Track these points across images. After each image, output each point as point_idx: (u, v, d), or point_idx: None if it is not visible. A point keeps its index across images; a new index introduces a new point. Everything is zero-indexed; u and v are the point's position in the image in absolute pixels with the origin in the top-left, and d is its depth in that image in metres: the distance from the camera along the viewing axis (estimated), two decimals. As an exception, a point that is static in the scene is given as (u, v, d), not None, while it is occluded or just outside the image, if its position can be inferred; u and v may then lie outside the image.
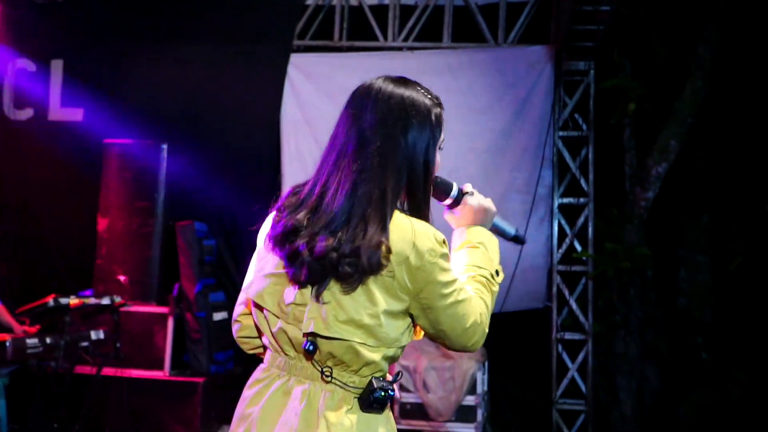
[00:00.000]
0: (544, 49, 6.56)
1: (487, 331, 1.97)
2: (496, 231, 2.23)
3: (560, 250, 6.72)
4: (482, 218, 2.19)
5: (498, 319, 6.54)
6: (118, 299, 5.39)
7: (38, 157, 6.77)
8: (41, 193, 6.67)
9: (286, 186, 6.72)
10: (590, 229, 6.68)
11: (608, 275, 6.67)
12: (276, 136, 6.74)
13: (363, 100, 2.06)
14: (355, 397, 1.89)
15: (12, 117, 6.93)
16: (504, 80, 6.58)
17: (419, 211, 1.99)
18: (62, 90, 6.92)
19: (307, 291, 1.89)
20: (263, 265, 2.02)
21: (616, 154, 7.08)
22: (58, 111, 6.92)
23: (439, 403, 5.66)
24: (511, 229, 2.26)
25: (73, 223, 6.56)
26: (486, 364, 5.99)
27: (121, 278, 6.03)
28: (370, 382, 1.89)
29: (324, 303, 1.85)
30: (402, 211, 1.96)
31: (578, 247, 6.77)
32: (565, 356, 6.66)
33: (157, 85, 6.73)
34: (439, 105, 2.17)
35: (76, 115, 6.88)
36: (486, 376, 5.97)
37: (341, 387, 1.88)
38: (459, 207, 2.20)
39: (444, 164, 6.91)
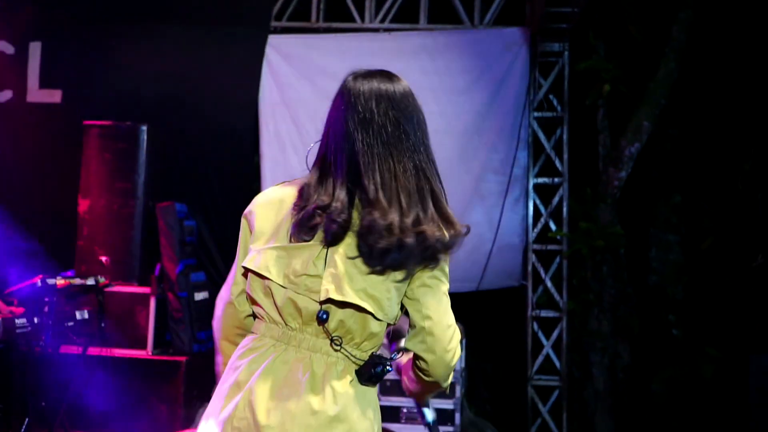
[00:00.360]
0: (519, 30, 6.66)
1: (455, 360, 2.11)
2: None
3: (535, 230, 6.85)
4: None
5: (474, 297, 6.73)
6: (102, 279, 5.45)
7: (17, 139, 6.78)
8: (21, 175, 6.69)
9: (265, 167, 6.82)
10: (565, 209, 6.82)
11: (582, 254, 6.80)
12: (255, 118, 6.80)
13: (371, 98, 2.12)
14: (355, 370, 1.99)
15: (-9, 99, 6.94)
16: (480, 62, 6.68)
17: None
18: (40, 72, 6.92)
19: (321, 262, 1.97)
20: (262, 241, 2.07)
21: (590, 134, 7.20)
22: (37, 92, 6.93)
23: (417, 380, 5.78)
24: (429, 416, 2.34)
25: (53, 204, 6.60)
26: (463, 341, 6.12)
27: (103, 259, 6.08)
28: (372, 356, 2.01)
29: (339, 272, 1.94)
30: None
31: (553, 227, 6.92)
32: (540, 334, 6.82)
33: (136, 67, 6.75)
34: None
35: (54, 96, 6.90)
36: (463, 353, 6.09)
37: (345, 358, 1.98)
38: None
39: (421, 145, 6.84)
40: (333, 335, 1.97)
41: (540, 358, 6.74)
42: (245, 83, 6.75)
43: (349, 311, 1.96)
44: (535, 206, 6.90)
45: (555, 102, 6.95)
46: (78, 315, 5.30)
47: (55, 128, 6.77)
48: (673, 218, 7.66)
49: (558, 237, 6.84)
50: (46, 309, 5.13)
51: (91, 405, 5.82)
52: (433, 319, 2.03)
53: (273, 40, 6.76)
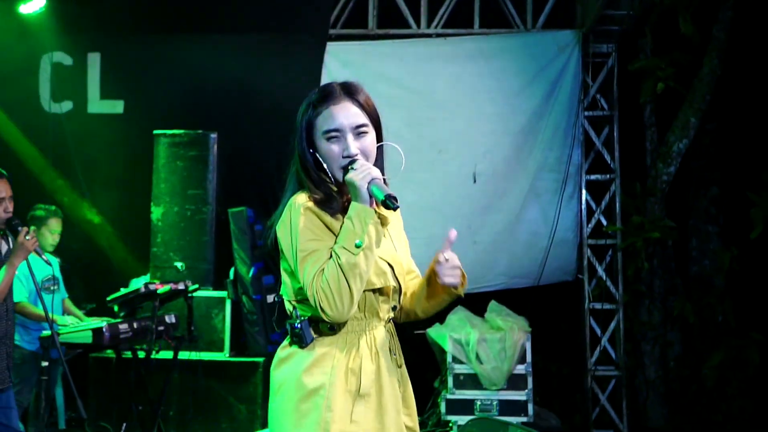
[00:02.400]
0: (572, 33, 6.86)
1: (325, 303, 2.17)
2: (374, 199, 2.26)
3: (589, 225, 7.05)
4: (353, 193, 2.26)
5: (532, 292, 6.91)
6: (191, 284, 5.58)
7: (81, 150, 6.89)
8: (88, 186, 6.80)
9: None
10: (617, 204, 7.02)
11: (636, 247, 7.00)
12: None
13: None
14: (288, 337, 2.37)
15: (51, 110, 7.02)
16: (534, 64, 6.87)
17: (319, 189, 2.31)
18: (101, 82, 7.04)
19: None
20: None
21: (637, 131, 7.41)
22: (98, 103, 7.05)
23: (492, 373, 5.98)
24: (381, 194, 2.21)
25: (123, 213, 6.73)
26: (529, 334, 6.30)
27: (178, 265, 6.22)
28: (289, 322, 2.33)
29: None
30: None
31: (604, 221, 7.12)
32: (594, 325, 7.03)
33: (197, 75, 6.86)
34: (313, 105, 2.38)
35: (116, 107, 7.02)
36: (529, 346, 6.27)
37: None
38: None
39: (479, 145, 7.18)
40: None
41: (598, 349, 6.94)
42: (306, 90, 6.79)
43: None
44: (587, 202, 7.10)
45: (602, 101, 7.15)
46: (167, 319, 5.43)
47: (119, 138, 6.88)
48: (711, 210, 7.87)
49: (609, 232, 7.03)
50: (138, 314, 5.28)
51: (173, 406, 5.98)
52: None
53: (331, 47, 6.91)
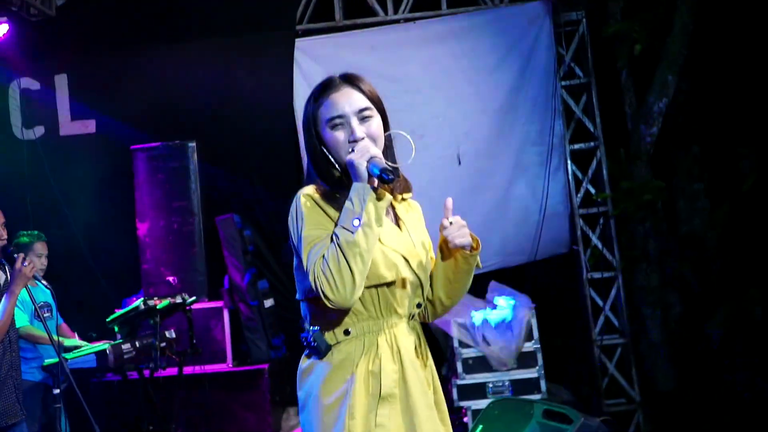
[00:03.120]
0: (541, 4, 6.82)
1: (327, 287, 2.11)
2: (374, 176, 2.21)
3: (579, 195, 7.02)
4: (353, 173, 2.21)
5: (532, 268, 6.86)
6: (187, 297, 5.49)
7: (58, 173, 6.76)
8: (69, 207, 6.67)
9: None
10: (605, 171, 6.99)
11: (627, 212, 6.98)
12: (292, 122, 6.84)
13: None
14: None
15: (24, 137, 6.89)
16: (507, 39, 6.82)
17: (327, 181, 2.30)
18: (70, 104, 6.92)
19: None
20: None
21: (615, 96, 7.38)
22: (69, 125, 6.93)
23: (501, 353, 5.93)
24: (377, 170, 2.18)
25: (107, 232, 6.61)
26: (534, 310, 6.24)
27: (171, 279, 6.13)
28: (302, 335, 2.30)
29: None
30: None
31: (592, 190, 7.08)
32: (594, 295, 6.99)
33: (167, 86, 6.80)
34: (316, 93, 2.38)
35: (88, 126, 6.90)
36: (535, 323, 6.21)
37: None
38: None
39: (458, 126, 7.13)
40: None
41: (600, 319, 6.91)
42: (278, 89, 6.80)
43: None
44: (573, 173, 7.06)
45: (578, 69, 7.11)
46: (168, 334, 5.34)
47: (95, 157, 6.79)
48: (695, 168, 7.87)
49: (599, 200, 7.00)
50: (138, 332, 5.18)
51: (183, 422, 5.88)
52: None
53: (300, 43, 6.82)
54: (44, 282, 4.22)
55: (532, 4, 6.84)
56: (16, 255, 3.91)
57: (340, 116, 2.28)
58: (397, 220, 2.40)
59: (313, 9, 7.02)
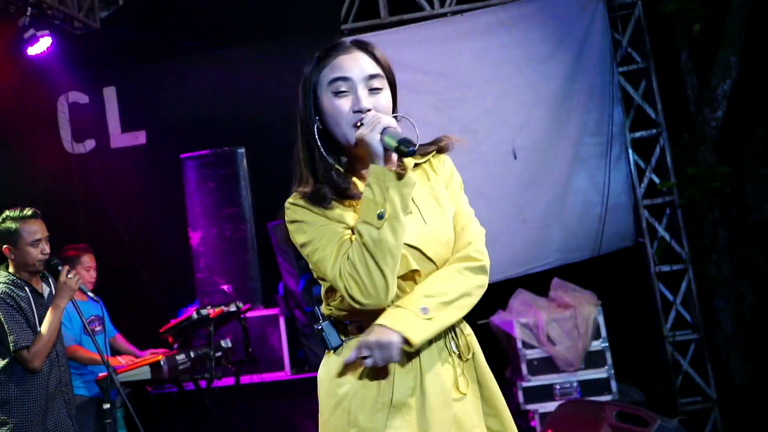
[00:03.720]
0: (593, -12, 6.55)
1: (355, 288, 1.88)
2: (391, 149, 1.92)
3: (642, 185, 6.72)
4: (367, 151, 1.93)
5: (593, 264, 6.59)
6: (241, 305, 5.37)
7: (109, 185, 6.74)
8: (120, 219, 6.63)
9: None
10: (668, 158, 6.68)
11: (695, 200, 6.66)
12: (340, 123, 6.70)
13: None
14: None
15: (75, 151, 6.89)
16: (559, 27, 6.57)
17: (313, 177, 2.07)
18: (120, 116, 6.90)
19: None
20: None
21: (675, 79, 7.07)
22: (120, 137, 6.91)
23: (567, 354, 5.67)
24: (393, 142, 1.88)
25: (159, 243, 6.55)
26: (600, 308, 5.97)
27: (225, 287, 6.03)
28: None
29: None
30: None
31: (656, 179, 6.79)
32: (663, 289, 6.69)
33: (214, 93, 6.72)
34: (320, 54, 2.06)
35: (139, 138, 6.87)
36: (602, 321, 5.94)
37: None
38: None
39: (512, 120, 6.87)
40: None
41: (672, 314, 6.60)
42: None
43: None
44: (635, 162, 6.77)
45: (635, 54, 6.82)
46: (223, 344, 5.22)
47: (146, 168, 6.75)
48: (760, 151, 7.51)
49: (664, 189, 6.70)
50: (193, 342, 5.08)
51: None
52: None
53: (346, 42, 6.66)
54: (92, 295, 4.12)
55: (583, -11, 6.58)
56: (60, 267, 3.82)
57: (345, 78, 1.99)
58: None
59: (357, 8, 6.89)
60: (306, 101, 2.02)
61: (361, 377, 1.95)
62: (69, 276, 3.77)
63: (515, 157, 6.61)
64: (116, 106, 6.89)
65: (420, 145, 2.07)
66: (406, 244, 1.96)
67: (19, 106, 6.70)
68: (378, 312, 1.94)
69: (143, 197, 6.68)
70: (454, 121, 6.58)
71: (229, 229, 6.12)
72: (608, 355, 5.78)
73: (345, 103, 1.97)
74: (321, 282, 2.09)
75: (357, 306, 1.90)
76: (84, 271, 5.32)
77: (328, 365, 2.04)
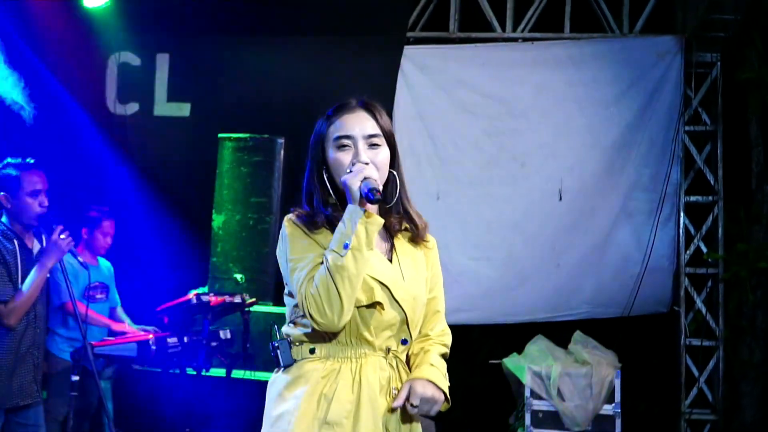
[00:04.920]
0: (673, 39, 6.24)
1: (315, 311, 2.07)
2: (363, 196, 2.15)
3: (688, 251, 6.38)
4: (348, 196, 2.16)
5: (622, 323, 6.27)
6: (248, 298, 5.15)
7: (144, 153, 6.60)
8: (149, 189, 6.47)
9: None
10: (720, 229, 6.34)
11: (740, 278, 6.30)
12: (388, 131, 6.47)
13: None
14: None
15: (116, 111, 6.75)
16: (630, 72, 6.28)
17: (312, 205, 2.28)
18: (168, 84, 6.74)
19: None
20: None
21: (742, 150, 6.71)
22: (164, 105, 6.75)
23: (576, 412, 5.36)
24: (365, 189, 2.12)
25: (184, 220, 6.37)
26: (618, 372, 5.64)
27: (238, 277, 5.83)
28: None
29: None
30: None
31: (703, 248, 6.44)
32: (690, 363, 6.33)
33: (266, 79, 6.54)
34: (328, 118, 2.33)
35: (183, 110, 6.71)
36: (618, 383, 5.62)
37: None
38: None
39: (566, 159, 6.56)
40: None
41: (694, 390, 6.23)
42: (379, 95, 6.36)
43: None
44: (685, 226, 6.43)
45: (705, 115, 6.49)
46: (221, 334, 5.00)
47: (183, 141, 6.58)
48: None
49: (710, 260, 6.34)
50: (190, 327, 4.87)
51: (223, 427, 5.55)
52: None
53: (408, 51, 6.45)
54: (79, 260, 3.91)
55: (664, 38, 6.27)
56: (54, 226, 3.62)
57: (347, 137, 2.24)
58: (391, 253, 2.29)
59: (427, 17, 6.67)
60: (316, 152, 2.29)
61: (304, 395, 2.12)
62: (61, 236, 3.57)
63: (560, 199, 6.32)
64: (166, 74, 6.72)
65: (414, 212, 2.35)
66: (376, 279, 2.17)
67: (68, 57, 6.58)
68: (331, 336, 2.16)
69: (176, 170, 6.51)
70: (504, 149, 6.33)
71: (253, 219, 5.91)
72: (618, 422, 5.44)
73: (346, 157, 2.22)
74: (288, 299, 2.27)
75: (314, 325, 2.10)
76: (100, 236, 5.17)
77: (276, 384, 2.21)
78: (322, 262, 2.12)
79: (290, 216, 2.25)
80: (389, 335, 2.20)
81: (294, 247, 2.18)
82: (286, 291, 2.27)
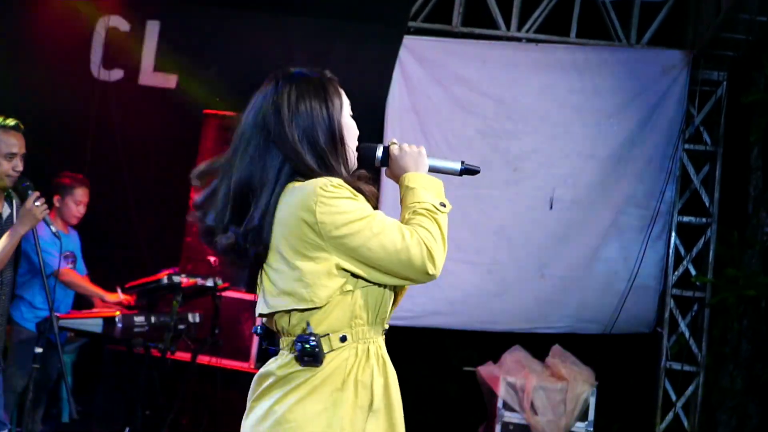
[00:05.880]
0: (681, 54, 6.31)
1: (436, 254, 2.02)
2: (441, 172, 2.28)
3: (676, 273, 6.47)
4: (411, 162, 2.23)
5: (602, 341, 6.35)
6: (220, 282, 5.18)
7: (125, 122, 6.56)
8: (128, 160, 6.47)
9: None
10: (711, 252, 6.42)
11: (727, 304, 6.40)
12: (380, 122, 6.52)
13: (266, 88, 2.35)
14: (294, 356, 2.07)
15: (100, 77, 6.73)
16: (634, 83, 6.35)
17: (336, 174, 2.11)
18: (156, 54, 6.71)
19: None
20: None
21: (740, 173, 6.80)
22: (150, 75, 6.71)
23: (547, 427, 5.44)
24: (454, 165, 2.27)
25: (162, 195, 6.37)
26: (594, 389, 5.73)
27: (212, 259, 5.82)
28: (296, 338, 2.05)
29: (260, 285, 2.14)
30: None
31: (692, 271, 6.53)
32: (669, 387, 6.43)
33: (258, 57, 6.49)
34: (330, 80, 2.29)
35: (169, 81, 6.68)
36: (593, 403, 5.70)
37: (286, 350, 2.10)
38: (389, 162, 2.28)
39: (560, 168, 6.65)
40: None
41: (669, 415, 6.33)
42: (374, 84, 6.46)
43: (276, 315, 2.11)
44: (676, 247, 6.51)
45: (706, 135, 6.58)
46: (190, 318, 5.03)
47: (167, 114, 6.54)
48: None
49: (698, 283, 6.44)
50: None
51: (187, 414, 5.59)
52: (386, 266, 2.06)
53: (408, 41, 6.47)
54: (52, 229, 3.90)
55: (671, 51, 6.34)
56: (30, 192, 3.63)
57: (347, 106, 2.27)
58: None
59: (431, 8, 6.70)
60: (335, 110, 2.20)
61: (343, 385, 2.05)
62: (36, 204, 3.58)
63: (551, 207, 6.38)
64: (155, 43, 6.67)
65: None
66: None
67: (57, 16, 6.55)
68: (357, 319, 2.09)
69: (157, 143, 6.47)
70: (498, 152, 6.39)
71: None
72: (590, 442, 5.53)
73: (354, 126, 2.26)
74: (323, 280, 2.05)
75: (418, 275, 2.04)
76: (73, 204, 5.14)
77: (302, 378, 2.04)
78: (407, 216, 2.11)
79: (335, 181, 2.05)
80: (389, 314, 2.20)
81: (358, 206, 2.04)
82: (327, 267, 2.04)
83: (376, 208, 2.09)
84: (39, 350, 3.80)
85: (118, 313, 4.38)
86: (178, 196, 6.17)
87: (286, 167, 2.09)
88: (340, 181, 2.05)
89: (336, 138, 2.16)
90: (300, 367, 2.05)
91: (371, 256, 2.02)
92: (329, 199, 2.00)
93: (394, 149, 2.27)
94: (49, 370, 4.70)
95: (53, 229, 3.84)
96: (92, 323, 4.36)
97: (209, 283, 5.02)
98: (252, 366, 5.71)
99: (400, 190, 2.19)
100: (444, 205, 2.12)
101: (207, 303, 5.35)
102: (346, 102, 2.25)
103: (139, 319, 4.47)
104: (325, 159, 2.11)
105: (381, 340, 2.15)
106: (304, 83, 2.22)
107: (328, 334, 2.06)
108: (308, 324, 2.06)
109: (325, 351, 2.04)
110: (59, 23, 6.56)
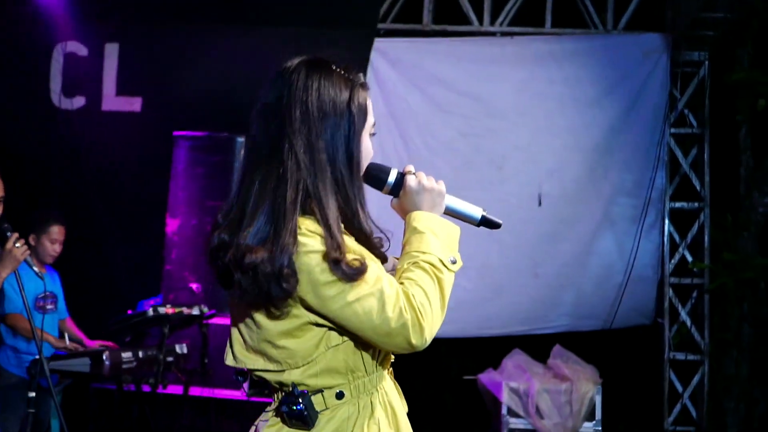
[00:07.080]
0: (660, 37, 6.44)
1: (426, 323, 1.78)
2: (457, 216, 2.06)
3: (672, 260, 6.60)
4: (427, 201, 1.98)
5: (603, 336, 6.46)
6: (206, 310, 5.23)
7: (92, 151, 6.61)
8: (98, 190, 6.51)
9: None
10: (706, 237, 6.56)
11: (726, 289, 6.53)
12: (355, 130, 6.58)
13: (277, 90, 1.99)
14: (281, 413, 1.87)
15: (61, 106, 6.77)
16: (615, 71, 6.47)
17: (349, 207, 1.88)
18: (118, 77, 6.77)
19: None
20: None
21: (730, 154, 6.94)
22: (113, 100, 6.77)
23: (554, 430, 5.53)
24: (474, 213, 2.07)
25: (135, 224, 6.41)
26: (599, 387, 5.84)
27: (194, 286, 5.90)
28: (281, 399, 1.87)
29: (236, 328, 1.91)
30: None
31: (689, 257, 6.67)
32: (674, 378, 6.55)
33: (225, 72, 6.57)
34: (362, 86, 2.00)
35: (133, 104, 6.74)
36: (599, 401, 5.81)
37: (272, 410, 1.92)
38: (401, 193, 2.00)
39: (546, 163, 6.79)
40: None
41: (677, 407, 6.46)
42: (347, 92, 6.53)
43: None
44: (670, 234, 6.65)
45: (690, 117, 6.72)
46: (177, 348, 5.08)
47: (135, 139, 6.58)
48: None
49: (696, 269, 6.57)
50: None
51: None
52: (364, 334, 1.81)
53: (379, 44, 6.56)
54: (35, 270, 3.94)
55: (649, 35, 6.47)
56: (9, 233, 3.68)
57: (374, 124, 2.00)
58: None
59: (399, 8, 6.78)
60: (353, 130, 1.92)
61: None
62: (17, 245, 3.64)
63: (540, 204, 6.49)
64: (116, 66, 6.74)
65: None
66: None
67: (12, 45, 6.59)
68: (356, 371, 1.87)
69: (127, 169, 6.51)
70: (480, 152, 6.48)
71: (210, 223, 5.97)
72: (598, 437, 5.64)
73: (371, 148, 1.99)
74: (303, 333, 1.84)
75: (407, 346, 1.79)
76: (48, 243, 5.11)
77: None
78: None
79: (313, 228, 1.82)
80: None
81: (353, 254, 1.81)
82: (296, 324, 1.82)
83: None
84: (32, 394, 3.84)
85: (105, 350, 4.43)
86: (152, 224, 6.23)
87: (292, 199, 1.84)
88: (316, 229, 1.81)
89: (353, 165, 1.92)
90: (286, 428, 1.88)
91: (347, 324, 1.79)
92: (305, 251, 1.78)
93: (412, 181, 1.98)
94: (42, 413, 4.73)
95: (35, 269, 3.88)
96: (79, 363, 4.41)
97: (195, 311, 5.08)
98: (244, 395, 5.76)
99: (405, 229, 1.96)
100: (454, 262, 1.90)
101: (192, 332, 5.40)
102: (370, 120, 2.01)
103: (126, 354, 4.52)
104: (345, 190, 1.88)
105: (386, 383, 1.94)
106: (331, 102, 1.95)
107: (321, 391, 1.85)
108: (293, 385, 1.85)
109: (318, 410, 1.85)
110: (15, 53, 6.61)
